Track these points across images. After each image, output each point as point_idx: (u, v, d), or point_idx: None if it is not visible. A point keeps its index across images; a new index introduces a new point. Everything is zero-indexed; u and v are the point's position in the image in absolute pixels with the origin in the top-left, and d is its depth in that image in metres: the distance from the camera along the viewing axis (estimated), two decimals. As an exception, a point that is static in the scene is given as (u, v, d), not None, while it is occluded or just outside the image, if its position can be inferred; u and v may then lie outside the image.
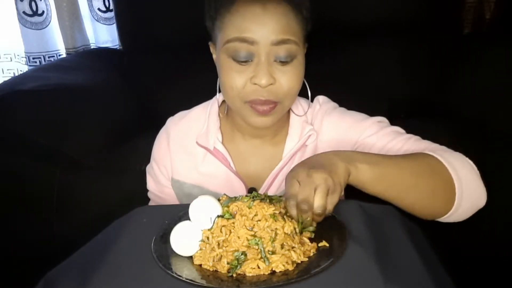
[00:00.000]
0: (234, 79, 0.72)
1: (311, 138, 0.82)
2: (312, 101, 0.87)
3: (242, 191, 0.82)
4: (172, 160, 0.87)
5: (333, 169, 0.60)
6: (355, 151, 0.68)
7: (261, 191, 0.83)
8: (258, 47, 0.70)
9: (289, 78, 0.72)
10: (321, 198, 0.56)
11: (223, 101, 0.86)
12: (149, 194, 0.93)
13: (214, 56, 0.79)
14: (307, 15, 0.75)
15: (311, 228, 0.57)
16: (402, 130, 0.81)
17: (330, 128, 0.83)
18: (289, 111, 0.84)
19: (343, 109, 0.87)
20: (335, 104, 0.88)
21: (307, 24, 0.75)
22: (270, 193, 0.81)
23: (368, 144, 0.79)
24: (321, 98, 0.88)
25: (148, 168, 0.93)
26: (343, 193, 0.63)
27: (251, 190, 0.83)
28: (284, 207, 0.58)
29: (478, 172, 0.70)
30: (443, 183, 0.67)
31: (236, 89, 0.72)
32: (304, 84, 0.79)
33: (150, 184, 0.92)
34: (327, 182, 0.57)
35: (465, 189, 0.67)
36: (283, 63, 0.71)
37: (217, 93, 0.82)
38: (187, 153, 0.85)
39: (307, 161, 0.62)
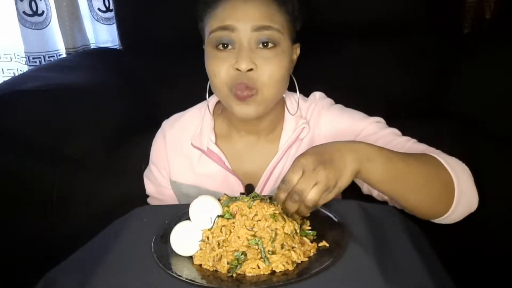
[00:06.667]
0: (217, 66, 0.73)
1: (304, 131, 0.82)
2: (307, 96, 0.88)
3: (239, 188, 0.83)
4: (169, 162, 0.88)
5: (342, 171, 0.59)
6: (373, 145, 0.64)
7: (258, 187, 0.83)
8: (239, 33, 0.71)
9: (270, 65, 0.72)
10: (316, 194, 0.56)
11: (219, 101, 0.86)
12: (148, 200, 0.94)
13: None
14: (295, 12, 0.76)
15: (311, 232, 0.57)
16: (399, 132, 0.80)
17: (328, 124, 0.83)
18: (284, 109, 0.85)
19: (340, 105, 0.88)
20: (331, 100, 0.88)
21: (294, 21, 0.77)
22: (267, 189, 0.82)
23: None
24: (318, 94, 0.89)
25: (146, 173, 0.94)
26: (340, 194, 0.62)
27: (248, 187, 0.84)
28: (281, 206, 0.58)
29: (472, 177, 0.70)
30: (446, 186, 0.67)
31: (220, 76, 0.73)
32: (292, 81, 0.79)
33: (149, 188, 0.93)
34: (329, 183, 0.57)
35: (463, 194, 0.67)
36: (265, 47, 0.72)
37: (207, 94, 0.83)
38: (183, 155, 0.87)
39: (321, 151, 0.61)
